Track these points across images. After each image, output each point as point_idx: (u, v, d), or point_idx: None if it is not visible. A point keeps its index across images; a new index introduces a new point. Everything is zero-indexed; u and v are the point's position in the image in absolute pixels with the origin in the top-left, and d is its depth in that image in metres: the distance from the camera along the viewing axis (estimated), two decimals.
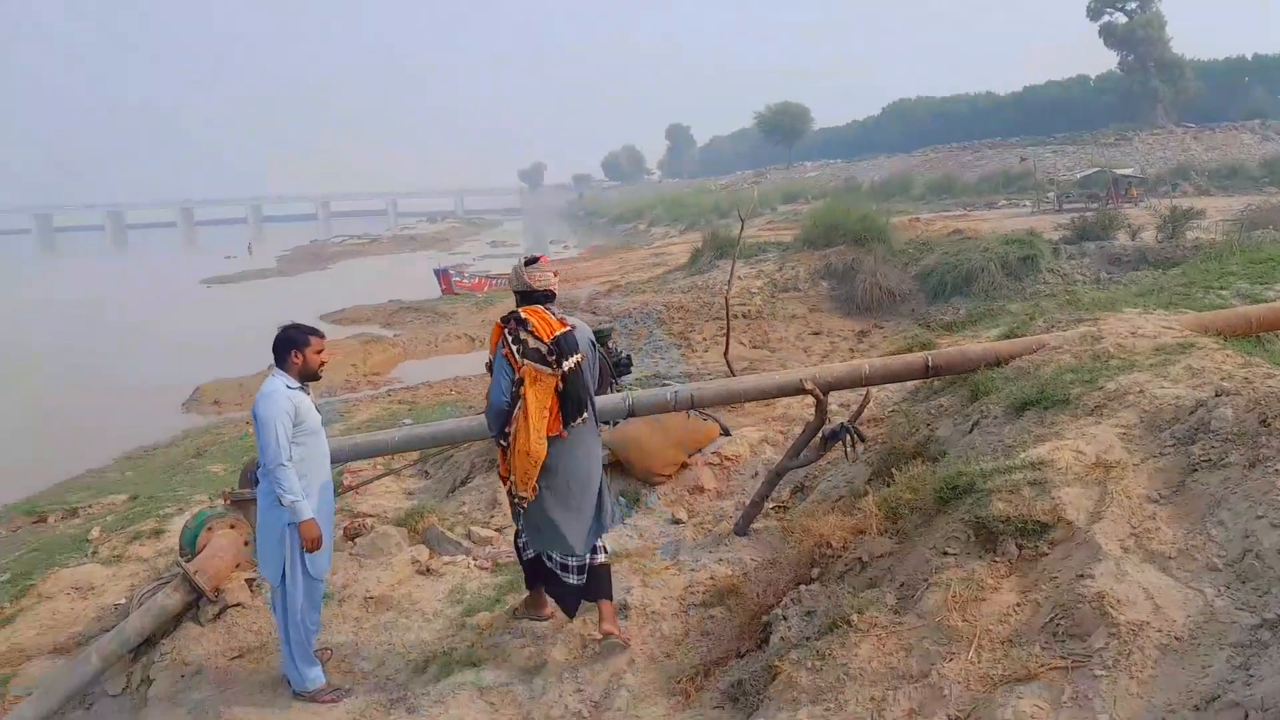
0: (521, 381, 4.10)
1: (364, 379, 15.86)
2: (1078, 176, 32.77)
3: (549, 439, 4.14)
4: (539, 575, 4.53)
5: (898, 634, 3.31)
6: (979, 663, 3.01)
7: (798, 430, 6.64)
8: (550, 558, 4.35)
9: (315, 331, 4.43)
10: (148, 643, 4.96)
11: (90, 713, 4.65)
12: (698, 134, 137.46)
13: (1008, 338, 6.50)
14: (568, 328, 4.21)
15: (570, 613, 4.50)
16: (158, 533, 7.01)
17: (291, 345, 4.31)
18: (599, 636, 4.35)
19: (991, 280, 14.56)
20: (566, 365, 4.13)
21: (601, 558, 4.42)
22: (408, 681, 4.41)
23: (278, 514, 4.21)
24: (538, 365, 4.10)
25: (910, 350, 7.76)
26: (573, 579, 4.32)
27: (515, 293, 4.36)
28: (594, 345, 4.47)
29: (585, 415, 4.26)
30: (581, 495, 4.29)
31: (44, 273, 61.66)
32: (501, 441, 4.22)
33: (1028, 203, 31.36)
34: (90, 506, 8.62)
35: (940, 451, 5.07)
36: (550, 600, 4.62)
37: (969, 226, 17.81)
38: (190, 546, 5.40)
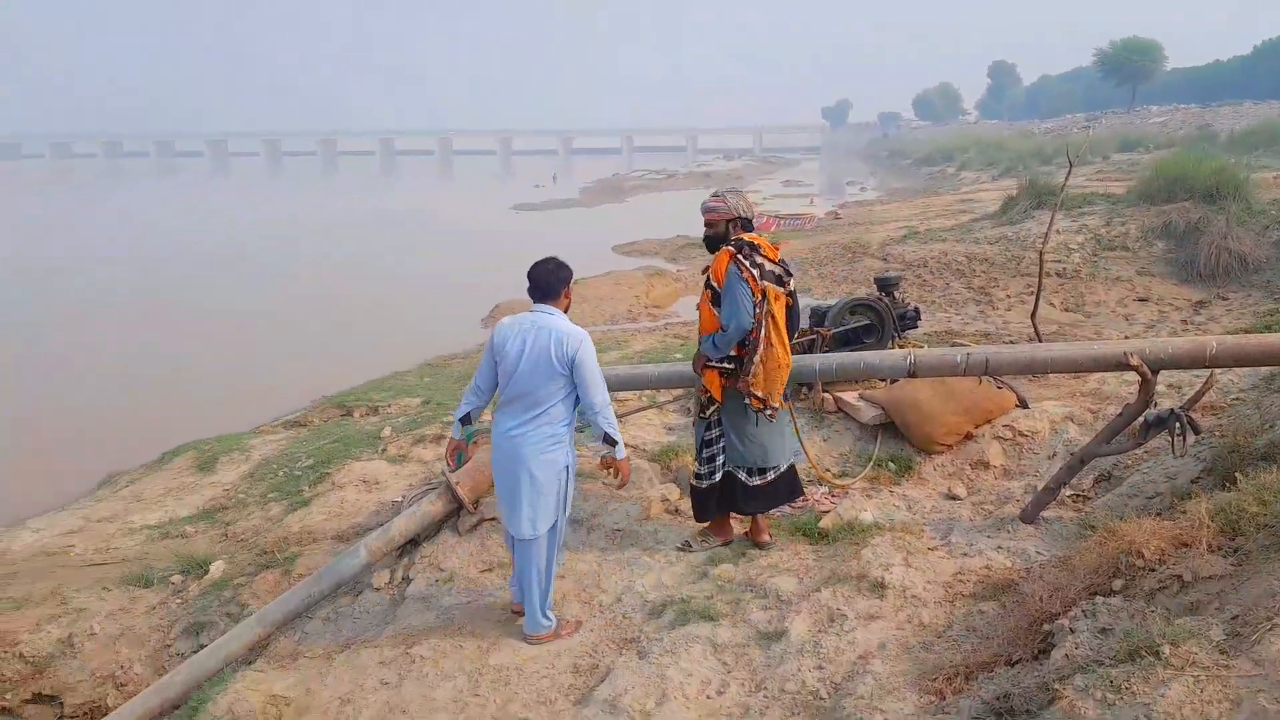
0: (763, 301, 4.40)
1: (645, 310, 16.12)
2: None
3: None
4: (726, 498, 4.79)
5: (1223, 680, 2.65)
6: None
7: (1112, 410, 5.74)
8: (747, 470, 4.70)
9: None
10: (412, 543, 5.21)
11: (357, 601, 4.96)
12: (1024, 73, 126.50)
13: None
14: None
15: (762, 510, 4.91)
16: (439, 438, 7.41)
17: (567, 280, 4.16)
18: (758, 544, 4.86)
19: None
20: (792, 284, 4.63)
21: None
22: (642, 623, 4.27)
23: (554, 456, 4.05)
24: (775, 285, 4.48)
25: (1268, 329, 6.49)
26: (758, 480, 4.73)
27: (727, 221, 4.64)
28: None
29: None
30: None
31: (387, 190, 68.85)
32: (725, 364, 4.50)
33: None
34: (389, 406, 9.36)
35: None
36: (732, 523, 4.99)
37: None
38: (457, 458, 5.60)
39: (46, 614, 5.48)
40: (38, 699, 5.10)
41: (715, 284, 4.48)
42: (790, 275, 4.60)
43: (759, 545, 4.85)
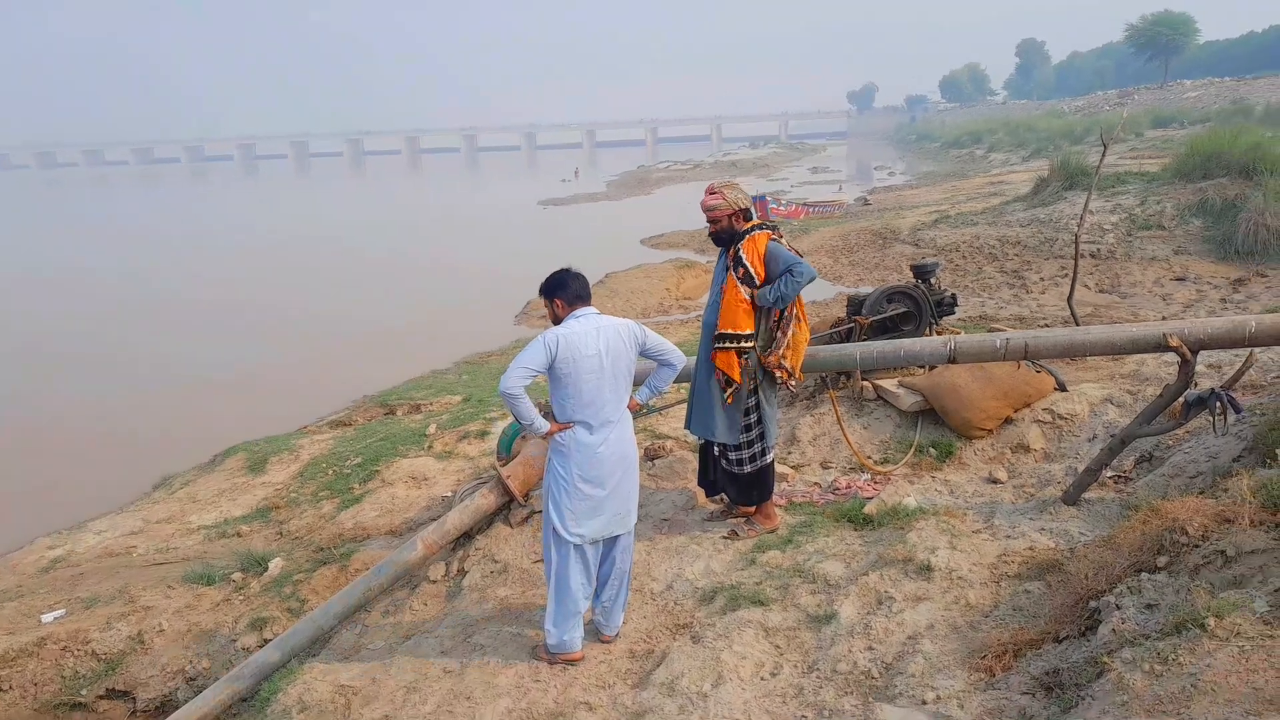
0: None
1: (676, 303, 16.21)
2: None
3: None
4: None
5: (1268, 650, 2.71)
6: None
7: (1150, 391, 5.77)
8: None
9: None
10: (465, 536, 5.36)
11: (414, 593, 5.11)
12: (1053, 50, 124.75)
13: None
14: None
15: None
16: (483, 434, 7.59)
17: None
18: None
19: None
20: None
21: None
22: (694, 609, 4.37)
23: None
24: None
25: None
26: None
27: (729, 216, 4.65)
28: None
29: None
30: None
31: (416, 189, 69.32)
32: (743, 345, 4.56)
33: None
34: (430, 404, 9.56)
35: None
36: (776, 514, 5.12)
37: None
38: (505, 451, 5.75)
39: (116, 612, 5.70)
40: (111, 694, 5.29)
41: (749, 265, 4.51)
42: None
43: (773, 530, 5.00)
